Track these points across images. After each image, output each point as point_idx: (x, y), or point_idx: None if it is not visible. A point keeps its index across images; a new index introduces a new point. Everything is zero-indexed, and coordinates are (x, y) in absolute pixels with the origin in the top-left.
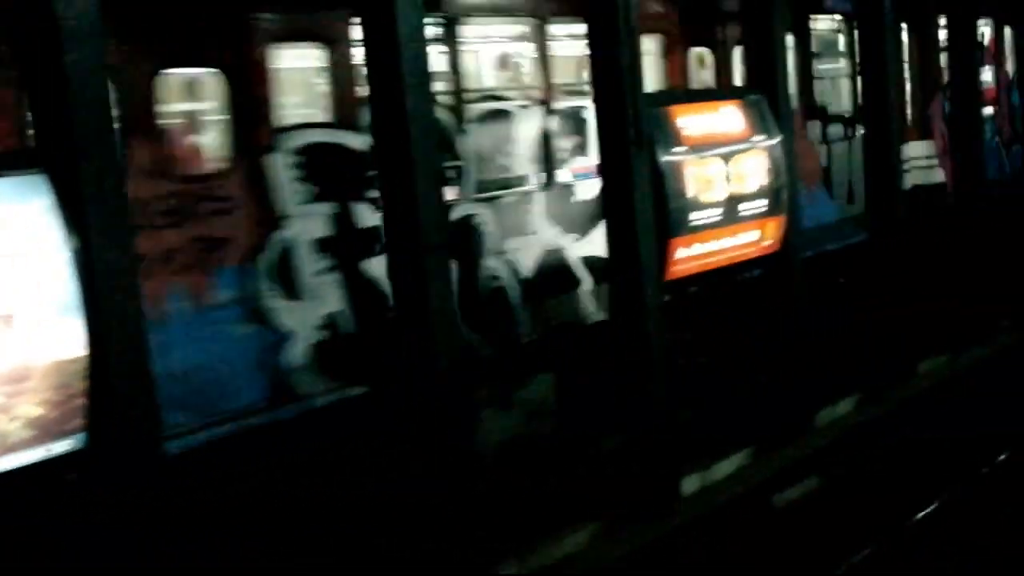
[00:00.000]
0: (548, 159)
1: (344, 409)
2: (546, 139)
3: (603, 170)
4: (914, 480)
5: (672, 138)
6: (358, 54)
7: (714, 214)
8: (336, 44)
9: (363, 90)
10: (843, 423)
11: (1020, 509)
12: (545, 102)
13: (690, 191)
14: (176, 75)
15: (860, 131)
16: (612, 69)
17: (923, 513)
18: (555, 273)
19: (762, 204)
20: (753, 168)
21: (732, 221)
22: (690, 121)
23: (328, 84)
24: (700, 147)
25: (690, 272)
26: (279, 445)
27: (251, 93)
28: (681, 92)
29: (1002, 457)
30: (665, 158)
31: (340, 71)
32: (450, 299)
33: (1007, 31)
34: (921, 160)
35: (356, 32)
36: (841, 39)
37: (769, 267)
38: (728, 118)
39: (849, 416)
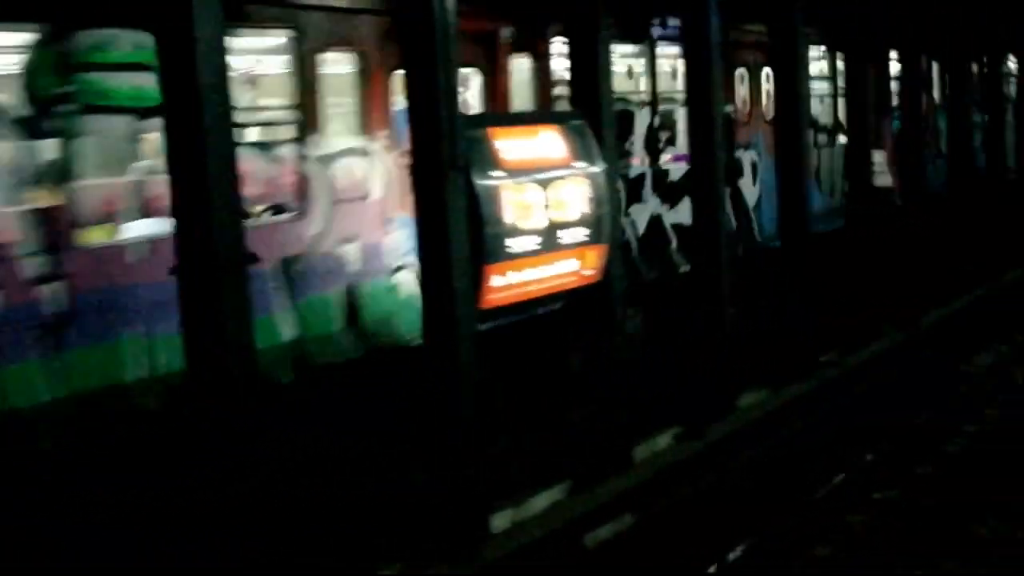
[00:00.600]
0: None
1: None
2: None
3: (417, 193)
4: (729, 518)
5: (490, 162)
6: (554, 63)
7: (532, 242)
8: (540, 55)
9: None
10: (662, 459)
11: None
12: None
13: (507, 217)
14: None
15: (840, 140)
16: (428, 88)
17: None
18: None
19: (583, 232)
20: (573, 195)
21: (551, 249)
22: (509, 145)
23: (533, 84)
24: (519, 172)
25: (507, 301)
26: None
27: (497, 88)
28: (500, 115)
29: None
30: (482, 182)
31: (541, 75)
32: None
33: (935, 65)
34: (878, 167)
35: (553, 47)
36: (826, 65)
37: (591, 296)
38: (549, 143)
39: (668, 451)
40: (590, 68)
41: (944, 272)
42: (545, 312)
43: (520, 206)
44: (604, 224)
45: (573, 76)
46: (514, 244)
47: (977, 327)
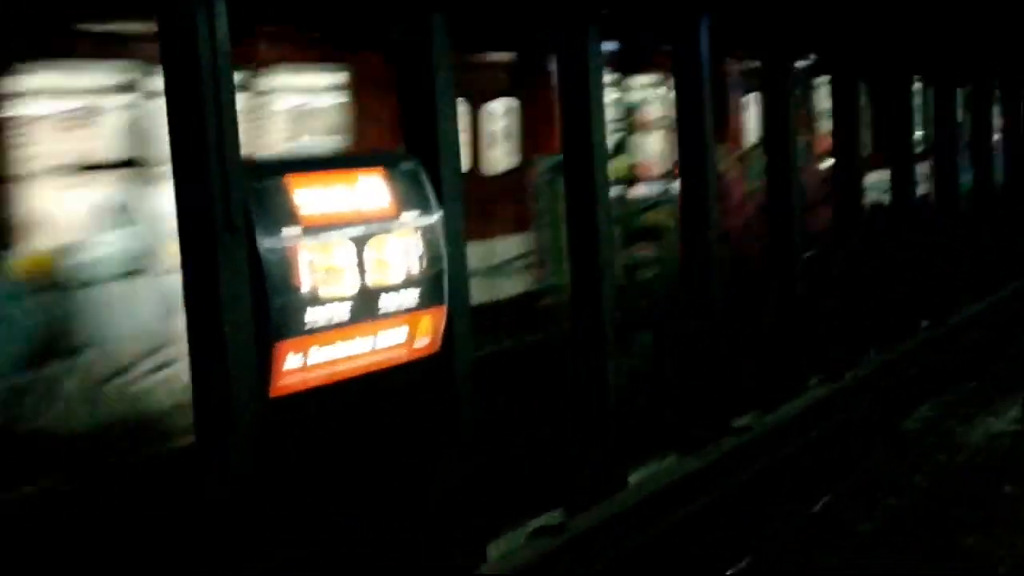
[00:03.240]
0: None
1: None
2: None
3: (184, 259)
4: None
5: (284, 218)
6: None
7: (341, 311)
8: None
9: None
10: None
11: None
12: None
13: (305, 284)
14: None
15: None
16: (194, 130)
17: None
18: None
19: (412, 296)
20: (399, 252)
21: (369, 318)
22: (313, 195)
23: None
24: (322, 228)
25: (311, 384)
26: None
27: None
28: (305, 159)
29: None
30: (270, 243)
31: None
32: None
33: None
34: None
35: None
36: None
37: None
38: (370, 191)
39: None
40: (425, 96)
41: None
42: (368, 393)
43: (325, 269)
44: (442, 282)
45: (403, 108)
46: (316, 315)
47: None
